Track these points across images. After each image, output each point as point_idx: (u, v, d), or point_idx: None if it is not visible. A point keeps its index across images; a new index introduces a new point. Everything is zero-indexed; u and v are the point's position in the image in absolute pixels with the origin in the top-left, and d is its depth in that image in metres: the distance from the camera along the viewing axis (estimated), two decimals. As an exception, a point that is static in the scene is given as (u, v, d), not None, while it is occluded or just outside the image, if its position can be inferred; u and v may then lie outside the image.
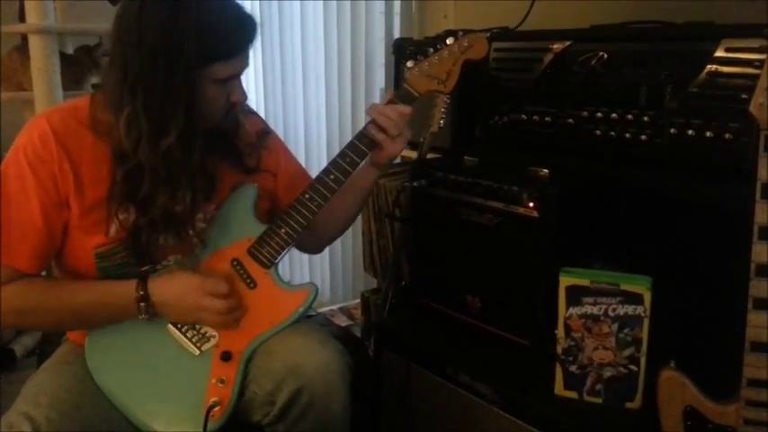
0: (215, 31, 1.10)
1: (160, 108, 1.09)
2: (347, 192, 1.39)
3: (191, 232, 1.22)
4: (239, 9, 1.16)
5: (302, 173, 1.46)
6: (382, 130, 1.29)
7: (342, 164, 1.28)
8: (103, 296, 1.19)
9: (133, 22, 1.08)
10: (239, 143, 1.32)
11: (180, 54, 1.07)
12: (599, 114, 1.38)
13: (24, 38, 2.14)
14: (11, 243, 1.15)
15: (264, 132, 1.40)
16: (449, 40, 1.31)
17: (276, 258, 1.26)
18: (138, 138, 1.10)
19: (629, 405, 1.28)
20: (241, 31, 1.15)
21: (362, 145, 1.30)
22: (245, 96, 1.23)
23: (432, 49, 1.32)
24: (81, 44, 2.37)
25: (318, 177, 1.29)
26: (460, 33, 1.32)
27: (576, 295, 1.28)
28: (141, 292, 1.17)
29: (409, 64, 1.32)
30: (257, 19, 1.18)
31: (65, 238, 1.19)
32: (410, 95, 1.31)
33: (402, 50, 1.91)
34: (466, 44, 1.31)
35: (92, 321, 1.23)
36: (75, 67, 2.28)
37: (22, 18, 2.16)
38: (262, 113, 2.69)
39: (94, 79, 2.32)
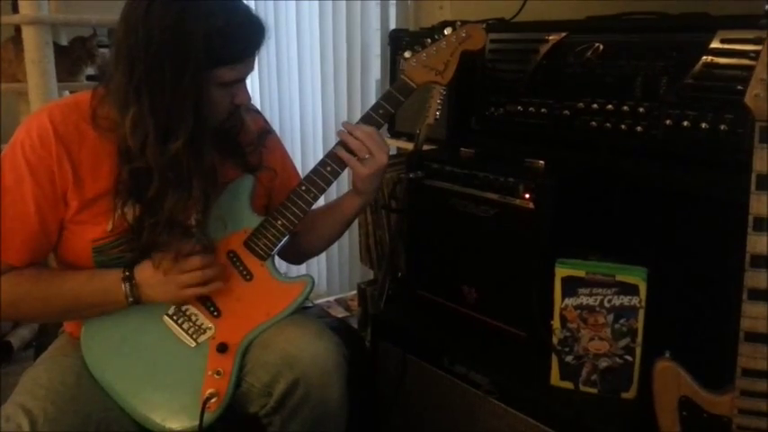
0: (223, 36, 1.07)
1: (167, 110, 1.08)
2: (332, 211, 1.40)
3: (191, 225, 1.20)
4: (248, 13, 1.13)
5: (296, 175, 1.45)
6: (350, 151, 1.27)
7: (338, 155, 1.28)
8: (89, 281, 1.18)
9: (140, 22, 1.05)
10: (242, 142, 1.31)
11: (187, 57, 1.05)
12: (595, 106, 1.38)
13: (18, 29, 2.13)
14: (3, 237, 1.14)
15: (265, 131, 1.39)
16: (446, 31, 1.30)
17: (272, 250, 1.26)
18: (145, 139, 1.09)
19: (624, 395, 1.29)
20: (249, 37, 1.13)
21: None
22: (249, 98, 1.21)
23: (429, 40, 1.31)
24: (75, 35, 2.36)
25: (315, 169, 1.28)
26: (458, 24, 1.31)
27: (571, 286, 1.28)
28: (127, 273, 1.17)
29: (407, 54, 1.31)
30: (265, 23, 1.15)
31: (61, 232, 1.19)
32: (407, 87, 1.30)
33: (398, 41, 1.91)
34: (464, 35, 1.30)
35: (80, 308, 1.21)
36: (69, 59, 2.27)
37: (15, 9, 2.14)
38: (257, 104, 2.68)
39: (89, 70, 2.32)
